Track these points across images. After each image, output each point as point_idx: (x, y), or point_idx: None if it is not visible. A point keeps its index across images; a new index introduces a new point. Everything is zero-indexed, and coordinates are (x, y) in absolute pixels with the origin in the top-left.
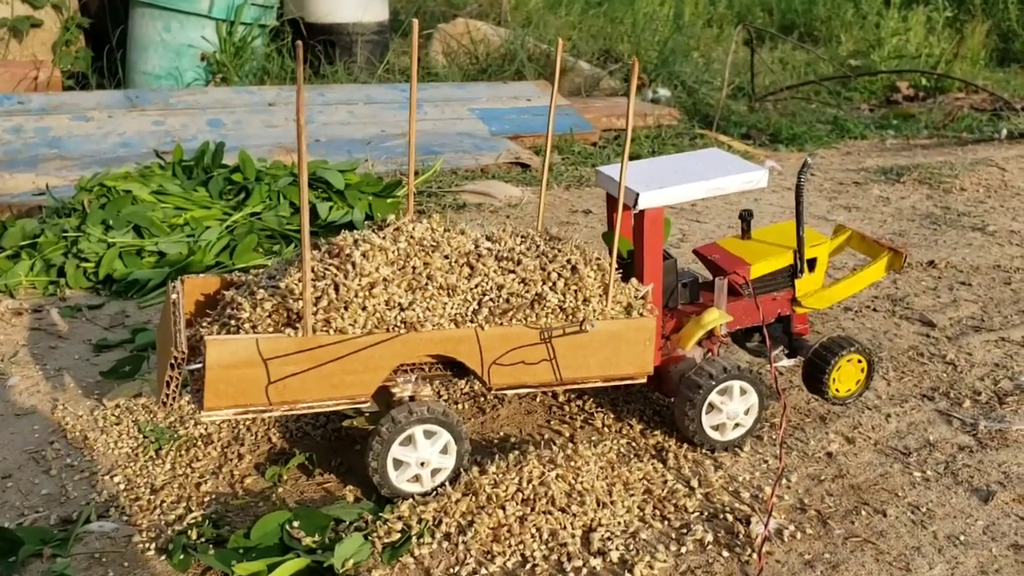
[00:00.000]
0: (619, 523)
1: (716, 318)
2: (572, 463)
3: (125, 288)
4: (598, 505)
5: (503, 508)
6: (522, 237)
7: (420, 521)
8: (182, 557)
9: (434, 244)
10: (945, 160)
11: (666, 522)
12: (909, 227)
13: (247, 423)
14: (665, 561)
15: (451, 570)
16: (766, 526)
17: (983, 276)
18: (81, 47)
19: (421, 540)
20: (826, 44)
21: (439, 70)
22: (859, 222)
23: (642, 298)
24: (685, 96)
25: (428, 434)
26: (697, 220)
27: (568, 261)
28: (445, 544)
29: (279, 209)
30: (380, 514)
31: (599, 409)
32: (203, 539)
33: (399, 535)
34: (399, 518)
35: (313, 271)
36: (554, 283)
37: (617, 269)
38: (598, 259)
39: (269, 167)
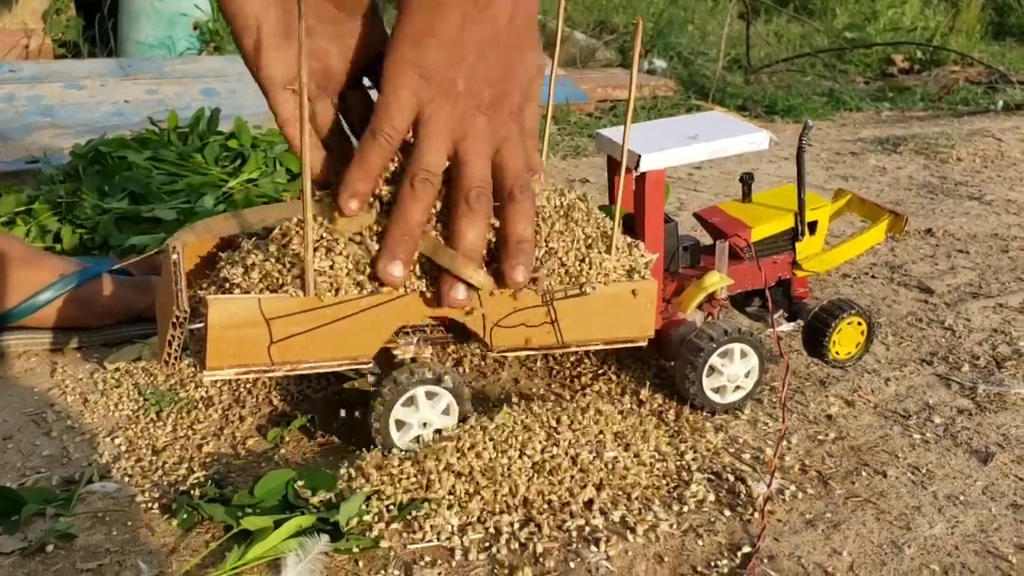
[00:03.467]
0: (620, 483)
1: (717, 281)
2: (573, 425)
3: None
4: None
5: (506, 468)
6: None
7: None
8: (185, 516)
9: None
10: (941, 131)
11: (668, 482)
12: (906, 196)
13: (248, 386)
14: (667, 520)
15: (458, 528)
16: (769, 486)
17: (980, 244)
18: (72, 16)
19: (426, 500)
20: (821, 17)
21: None
22: (857, 191)
23: (645, 264)
24: (681, 68)
25: (430, 395)
26: (695, 189)
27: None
28: (451, 504)
29: (275, 176)
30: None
31: (599, 372)
32: (206, 498)
33: (403, 495)
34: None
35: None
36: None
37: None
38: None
39: (264, 134)
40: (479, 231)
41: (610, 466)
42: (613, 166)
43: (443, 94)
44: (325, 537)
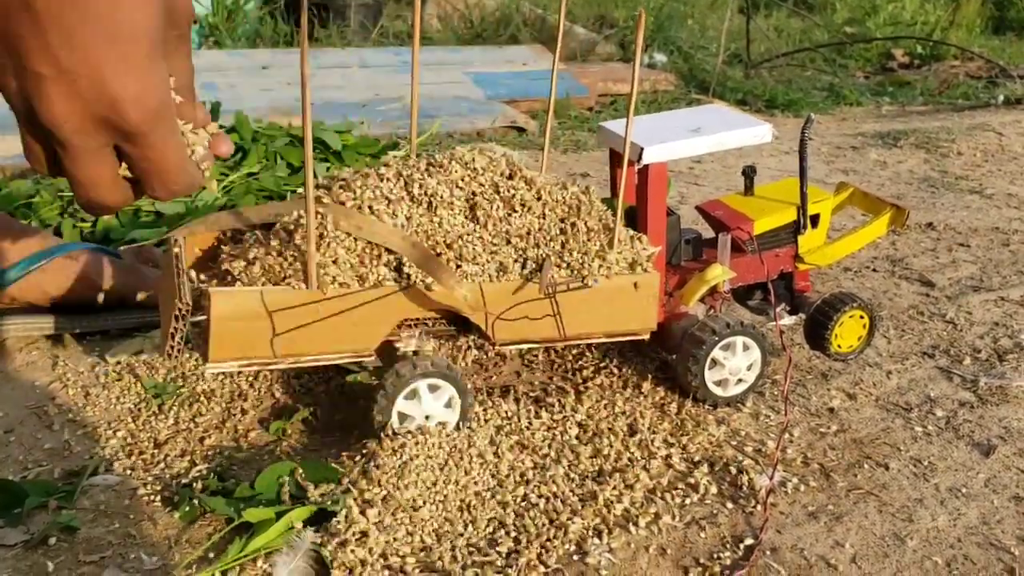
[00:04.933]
0: (622, 476)
1: (719, 274)
2: (574, 418)
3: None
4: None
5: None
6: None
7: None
8: (187, 508)
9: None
10: (942, 125)
11: (670, 473)
12: (907, 190)
13: (250, 379)
14: (670, 513)
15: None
16: (771, 478)
17: (981, 238)
18: None
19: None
20: (821, 11)
21: (433, 34)
22: (858, 186)
23: (648, 257)
24: (681, 62)
25: (432, 388)
26: (696, 182)
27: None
28: (450, 501)
29: (276, 170)
30: None
31: (601, 365)
32: (208, 491)
33: (400, 490)
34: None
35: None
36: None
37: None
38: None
39: (265, 128)
40: None
41: (614, 459)
42: (615, 159)
43: None
44: (310, 530)
